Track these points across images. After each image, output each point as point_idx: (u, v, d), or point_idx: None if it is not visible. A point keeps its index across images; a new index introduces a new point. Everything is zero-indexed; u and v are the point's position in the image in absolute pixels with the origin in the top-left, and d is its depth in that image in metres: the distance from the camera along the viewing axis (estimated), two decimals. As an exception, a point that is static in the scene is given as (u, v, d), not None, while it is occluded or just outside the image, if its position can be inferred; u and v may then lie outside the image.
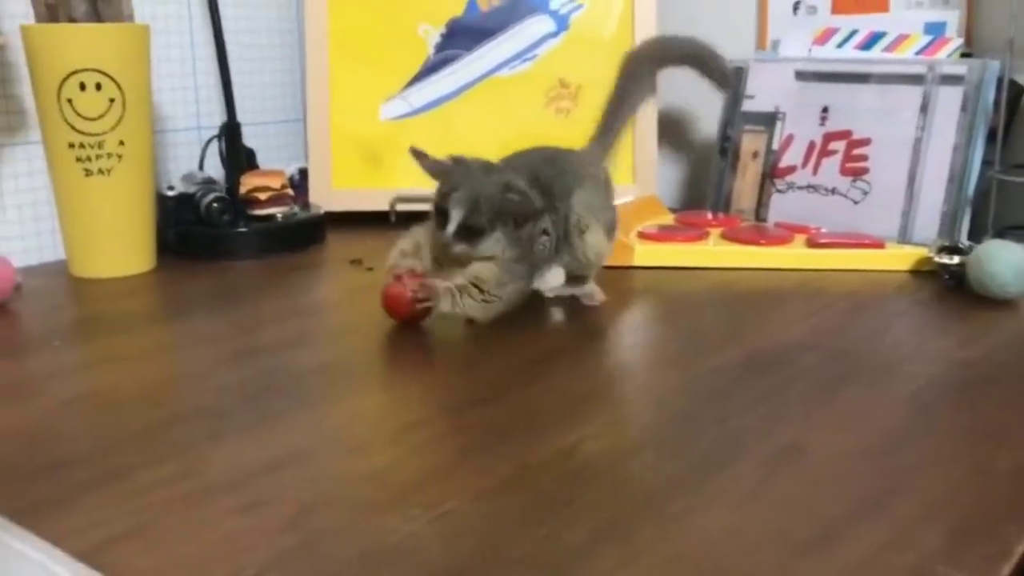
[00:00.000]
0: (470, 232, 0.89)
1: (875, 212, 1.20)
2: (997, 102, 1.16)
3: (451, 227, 0.89)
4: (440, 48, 1.45)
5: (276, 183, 1.28)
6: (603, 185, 1.01)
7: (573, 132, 1.43)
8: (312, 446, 0.66)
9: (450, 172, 0.93)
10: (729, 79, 1.20)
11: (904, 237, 1.17)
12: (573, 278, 1.02)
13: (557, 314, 0.98)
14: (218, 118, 1.43)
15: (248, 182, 1.28)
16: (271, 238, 1.27)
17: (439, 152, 1.41)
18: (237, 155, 1.31)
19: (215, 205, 1.23)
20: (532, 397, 0.74)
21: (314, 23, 1.43)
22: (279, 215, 1.29)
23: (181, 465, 0.63)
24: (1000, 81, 1.15)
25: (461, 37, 1.44)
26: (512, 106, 1.44)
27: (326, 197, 1.42)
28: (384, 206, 1.43)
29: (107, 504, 0.57)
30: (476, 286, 0.89)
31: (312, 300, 1.06)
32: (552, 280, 1.02)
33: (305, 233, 1.31)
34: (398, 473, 0.62)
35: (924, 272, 1.10)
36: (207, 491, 0.59)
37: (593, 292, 1.02)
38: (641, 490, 0.59)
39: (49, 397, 0.76)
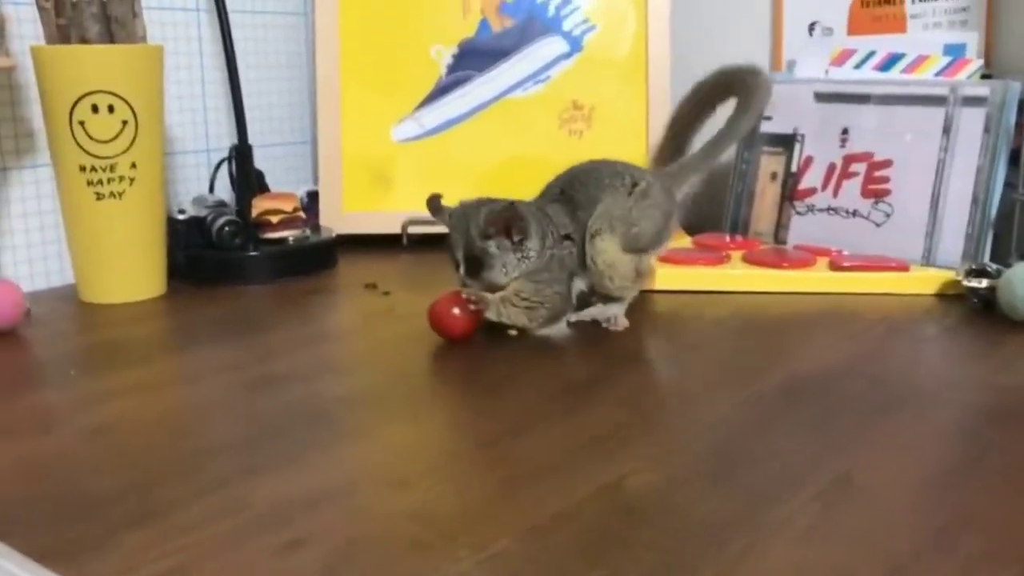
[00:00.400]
0: (477, 265, 0.94)
1: (898, 235, 1.18)
2: (1019, 124, 1.15)
3: (461, 269, 0.95)
4: (452, 69, 1.43)
5: (288, 206, 1.26)
6: (635, 196, 0.99)
7: (586, 154, 1.42)
8: (351, 480, 0.63)
9: (450, 218, 0.97)
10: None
11: (928, 260, 1.16)
12: (601, 297, 1.00)
13: (584, 341, 0.96)
14: (227, 140, 1.42)
15: (260, 205, 1.25)
16: (283, 262, 1.25)
17: (452, 174, 1.40)
18: (248, 177, 1.29)
19: (227, 228, 1.21)
20: (570, 427, 0.72)
21: (324, 44, 1.42)
22: (291, 238, 1.27)
23: (219, 501, 0.60)
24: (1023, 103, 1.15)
25: (473, 58, 1.43)
26: (525, 128, 1.43)
27: (337, 220, 1.40)
28: (396, 229, 1.41)
29: (146, 544, 0.55)
30: (517, 295, 0.94)
31: (330, 326, 1.04)
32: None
33: (317, 257, 1.29)
34: (441, 509, 0.59)
35: (949, 296, 1.09)
36: (248, 529, 0.56)
37: (616, 316, 1.00)
38: (697, 527, 0.57)
39: (73, 428, 0.73)
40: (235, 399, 0.80)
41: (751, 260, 1.17)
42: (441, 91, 1.43)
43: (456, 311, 0.94)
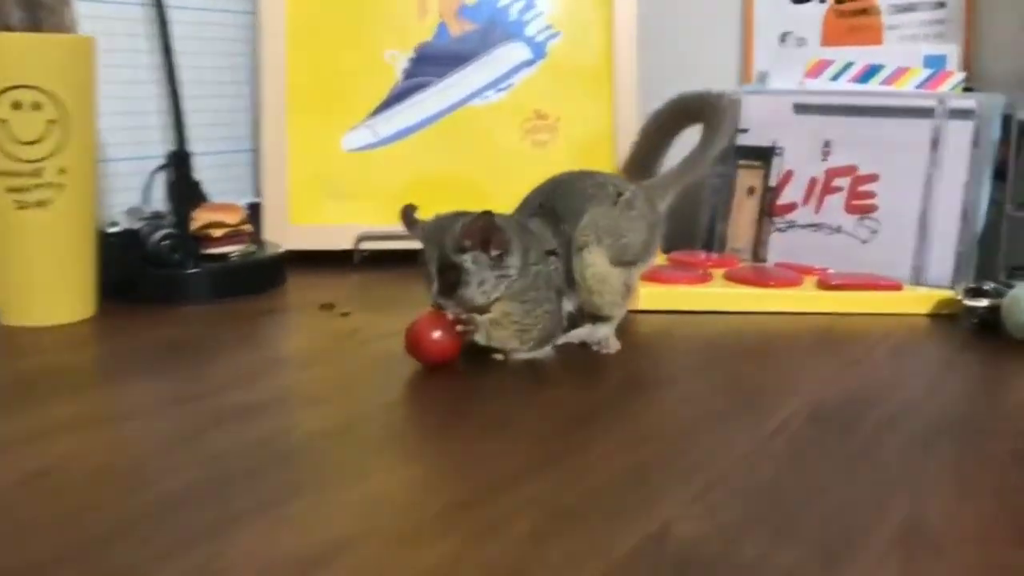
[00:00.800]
0: (452, 282, 0.84)
1: (885, 252, 1.13)
2: (1003, 138, 1.11)
3: (434, 286, 0.85)
4: (408, 75, 1.34)
5: (233, 218, 1.15)
6: (621, 206, 0.92)
7: (551, 166, 1.34)
8: (348, 535, 0.53)
9: (424, 231, 0.88)
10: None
11: (917, 279, 1.11)
12: (589, 317, 0.92)
13: (575, 366, 0.88)
14: (160, 147, 1.29)
15: (201, 217, 1.14)
16: (228, 280, 1.13)
17: (407, 186, 1.31)
18: (188, 187, 1.17)
19: (165, 243, 1.09)
20: (587, 465, 0.64)
21: (269, 44, 1.31)
22: (234, 254, 1.16)
23: (187, 566, 0.50)
24: (1008, 119, 1.11)
25: (431, 63, 1.34)
26: (486, 138, 1.34)
27: (281, 234, 1.29)
28: (347, 244, 1.31)
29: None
30: (507, 317, 0.86)
31: (288, 350, 0.93)
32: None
33: (265, 274, 1.18)
34: (463, 572, 0.50)
35: (942, 315, 1.04)
36: (234, 605, 0.46)
37: (607, 338, 0.92)
38: (770, 587, 0.49)
39: (1, 475, 0.62)
40: (192, 437, 0.69)
41: (734, 278, 1.11)
42: (396, 98, 1.34)
43: (437, 334, 0.84)
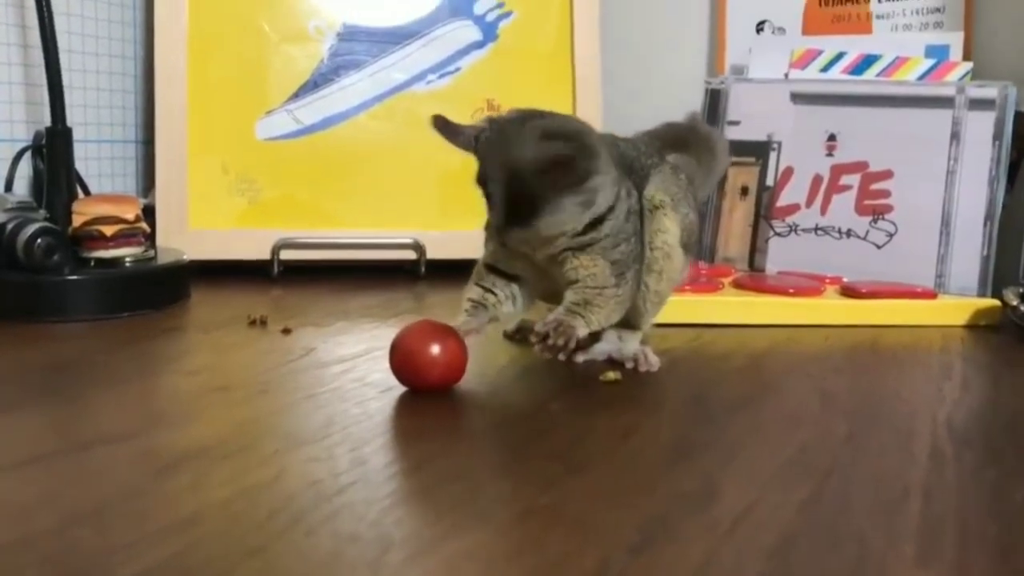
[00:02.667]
0: (524, 210, 0.62)
1: (903, 257, 1.00)
2: (1016, 134, 1.01)
3: (499, 215, 0.63)
4: (336, 52, 1.12)
5: (129, 213, 0.90)
6: (685, 184, 0.73)
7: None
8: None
9: (480, 142, 0.64)
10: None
11: (940, 285, 0.98)
12: (617, 327, 0.73)
13: (628, 386, 0.68)
14: (25, 127, 1.03)
15: (86, 210, 0.88)
16: (120, 290, 0.88)
17: (336, 181, 1.09)
18: (67, 173, 0.91)
19: (40, 242, 0.83)
20: (721, 525, 0.44)
21: (166, 10, 1.07)
22: (128, 258, 0.90)
23: None
24: (1022, 115, 1.01)
25: (363, 40, 1.13)
26: (430, 128, 1.14)
27: (178, 240, 1.04)
28: (262, 254, 1.07)
29: None
30: (593, 288, 0.65)
31: (220, 380, 0.69)
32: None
33: (166, 285, 0.93)
34: None
35: (981, 326, 0.91)
36: None
37: (644, 352, 0.73)
38: None
39: None
40: (141, 486, 0.45)
41: (746, 287, 0.95)
42: (322, 79, 1.12)
43: (435, 350, 0.63)
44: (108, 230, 0.88)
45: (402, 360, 0.63)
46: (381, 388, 0.64)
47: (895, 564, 0.40)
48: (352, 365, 0.71)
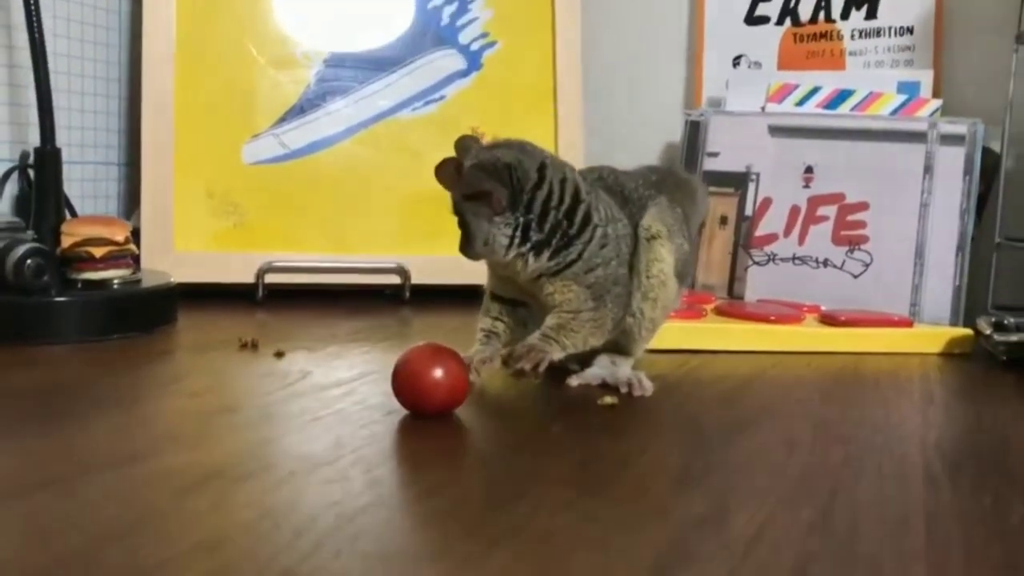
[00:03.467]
0: (466, 236, 0.70)
1: (879, 286, 1.03)
2: (983, 169, 1.05)
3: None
4: (323, 78, 1.13)
5: (119, 235, 0.90)
6: (680, 216, 0.76)
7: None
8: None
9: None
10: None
11: (915, 314, 1.01)
12: (608, 349, 0.75)
13: (622, 412, 0.69)
14: (9, 147, 1.02)
15: (75, 231, 0.88)
16: (109, 312, 0.87)
17: (321, 207, 1.09)
18: (56, 194, 0.91)
19: (30, 263, 0.83)
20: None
21: (154, 34, 1.07)
22: (116, 280, 0.90)
23: None
24: (989, 151, 1.05)
25: (351, 67, 1.14)
26: (415, 155, 1.15)
27: (163, 262, 1.04)
28: (246, 277, 1.07)
29: None
30: (568, 313, 0.69)
31: (217, 404, 0.69)
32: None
33: (154, 307, 0.93)
34: None
35: (955, 354, 0.94)
36: None
37: (639, 377, 0.74)
38: None
39: None
40: (163, 507, 0.45)
41: (728, 314, 0.97)
42: (309, 104, 1.12)
43: (438, 374, 0.64)
44: (97, 252, 0.88)
45: (405, 383, 0.64)
46: (384, 411, 0.65)
47: (907, 583, 0.41)
48: (351, 388, 0.71)
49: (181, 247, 1.06)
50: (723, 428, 0.66)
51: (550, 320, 0.69)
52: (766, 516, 0.48)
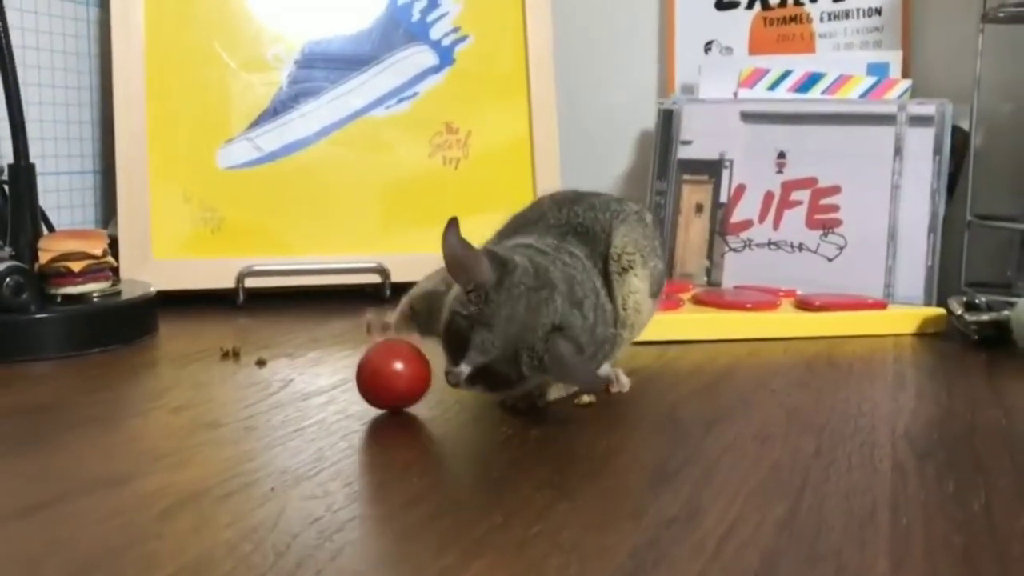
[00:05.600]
0: (494, 378, 0.62)
1: (853, 269, 1.04)
2: (953, 148, 1.06)
3: (465, 369, 0.61)
4: (296, 79, 1.13)
5: (96, 248, 0.90)
6: (651, 230, 0.76)
7: (466, 188, 1.19)
8: None
9: (488, 293, 0.61)
10: None
11: (889, 296, 1.03)
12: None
13: (602, 408, 0.71)
14: (-17, 163, 1.02)
15: (52, 246, 0.88)
16: (91, 326, 0.88)
17: (299, 209, 1.09)
18: (32, 210, 0.91)
19: (9, 281, 0.83)
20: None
21: (123, 38, 1.07)
22: (96, 294, 0.91)
23: None
24: (955, 129, 1.06)
25: (322, 67, 1.14)
26: (390, 153, 1.15)
27: (143, 271, 1.04)
28: (226, 282, 1.08)
29: None
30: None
31: (206, 417, 0.70)
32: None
33: (135, 319, 0.93)
34: None
35: (929, 334, 0.96)
36: None
37: (614, 375, 0.75)
38: None
39: None
40: (146, 530, 0.46)
41: (705, 303, 0.98)
42: (282, 106, 1.13)
43: (399, 366, 0.66)
44: (76, 266, 0.88)
45: (368, 382, 0.67)
46: (363, 420, 0.66)
47: (871, 578, 0.43)
48: (332, 397, 0.72)
49: (159, 255, 1.07)
50: (698, 422, 0.67)
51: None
52: (737, 513, 0.50)
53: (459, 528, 0.48)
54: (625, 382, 0.75)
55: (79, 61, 1.16)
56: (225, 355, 0.86)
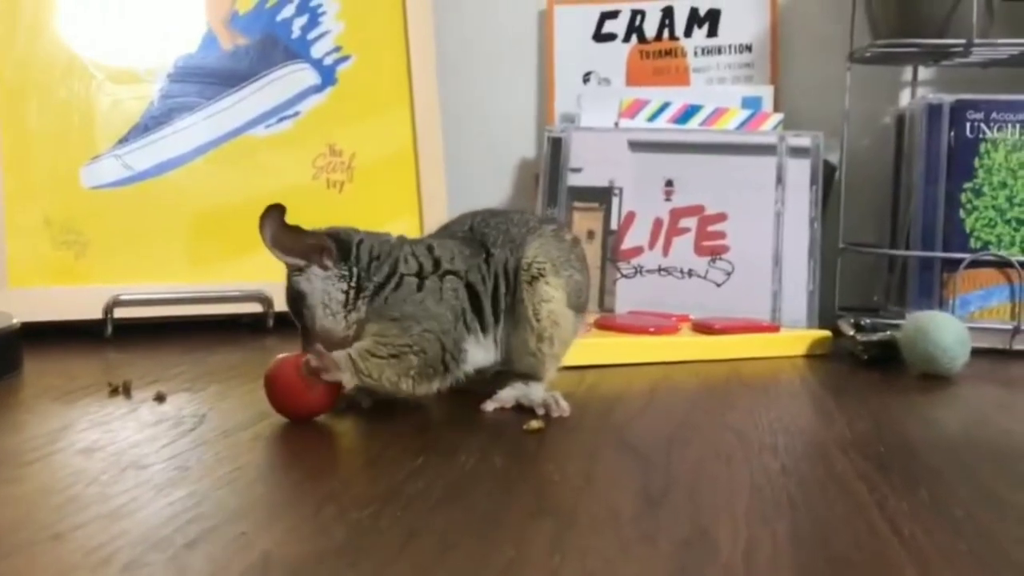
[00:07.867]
0: (297, 310, 0.73)
1: (741, 294, 1.07)
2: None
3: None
4: (168, 93, 1.05)
5: (-45, 273, 0.80)
6: (568, 245, 0.75)
7: (352, 213, 1.14)
8: None
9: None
10: None
11: (776, 319, 1.06)
12: (516, 375, 0.74)
13: (504, 425, 0.68)
14: None
15: (-98, 271, 0.77)
16: (-51, 362, 0.77)
17: (172, 232, 1.02)
18: None
19: None
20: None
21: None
22: (-49, 326, 0.80)
23: None
24: (825, 162, 1.12)
25: (197, 81, 1.07)
26: (271, 174, 1.09)
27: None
28: (93, 313, 0.98)
29: None
30: (379, 343, 0.69)
31: (139, 456, 0.62)
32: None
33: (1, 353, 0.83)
34: None
35: (817, 355, 1.00)
36: None
37: (553, 399, 0.73)
38: None
39: None
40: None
41: (608, 327, 0.98)
42: (153, 122, 1.04)
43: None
44: (-69, 293, 0.78)
45: (279, 390, 0.68)
46: (301, 452, 0.61)
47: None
48: (258, 432, 0.66)
49: (16, 283, 0.96)
50: (655, 446, 0.66)
51: (357, 343, 0.69)
52: (748, 532, 0.49)
53: (473, 558, 0.45)
54: (565, 406, 0.73)
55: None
56: (115, 390, 0.77)
